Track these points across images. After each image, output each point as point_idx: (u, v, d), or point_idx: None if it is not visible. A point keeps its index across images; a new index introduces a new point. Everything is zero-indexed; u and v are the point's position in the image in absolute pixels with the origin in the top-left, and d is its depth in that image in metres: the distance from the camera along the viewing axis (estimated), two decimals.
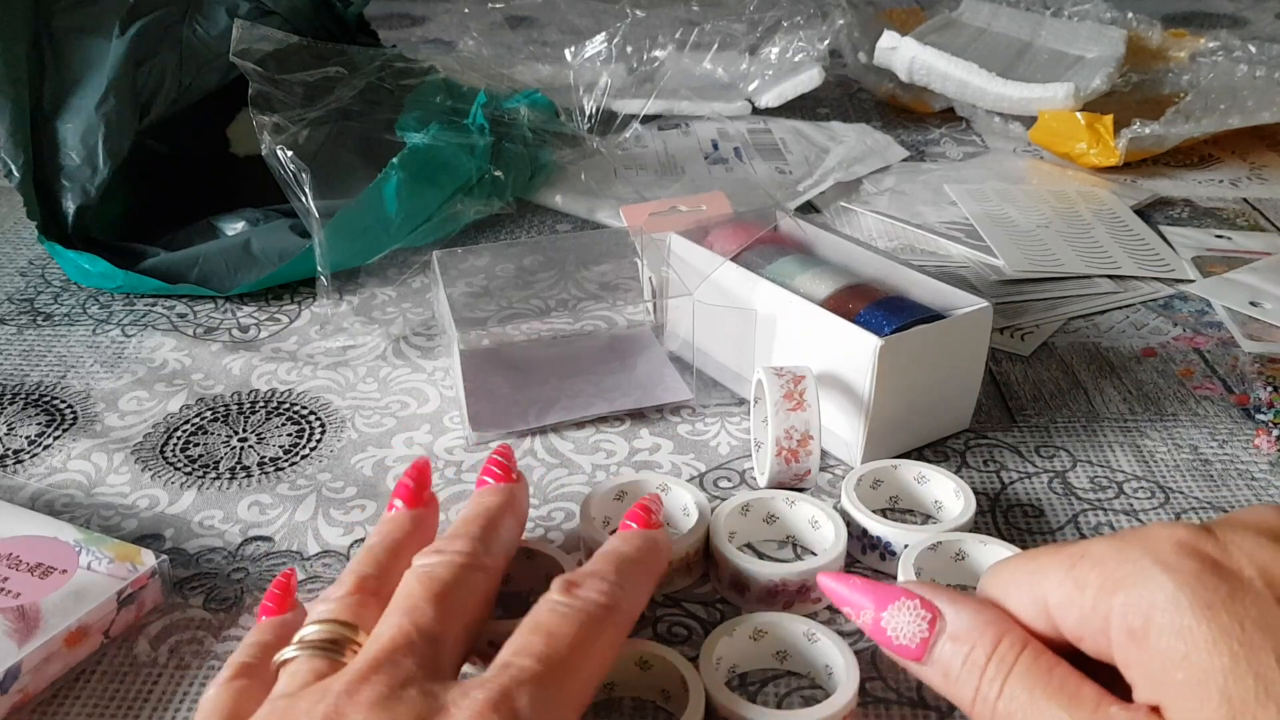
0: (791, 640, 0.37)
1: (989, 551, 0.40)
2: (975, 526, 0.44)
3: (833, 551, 0.40)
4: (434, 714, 0.27)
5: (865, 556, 0.42)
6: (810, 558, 0.41)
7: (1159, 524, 0.28)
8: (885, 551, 0.41)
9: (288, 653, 0.32)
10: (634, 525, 0.37)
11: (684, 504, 0.44)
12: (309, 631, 0.32)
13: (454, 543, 0.35)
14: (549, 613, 0.31)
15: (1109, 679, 0.27)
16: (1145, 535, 0.28)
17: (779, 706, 0.36)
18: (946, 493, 0.44)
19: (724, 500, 0.43)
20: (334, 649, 0.31)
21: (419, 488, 0.39)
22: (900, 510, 0.46)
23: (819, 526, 0.42)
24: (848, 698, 0.33)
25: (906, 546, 0.40)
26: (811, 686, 0.37)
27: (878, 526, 0.41)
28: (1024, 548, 0.43)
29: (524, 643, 0.30)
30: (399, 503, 0.38)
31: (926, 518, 0.45)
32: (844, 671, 0.35)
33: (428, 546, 0.35)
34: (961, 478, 0.47)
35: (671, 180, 0.80)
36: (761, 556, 0.43)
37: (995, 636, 0.29)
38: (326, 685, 0.29)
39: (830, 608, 0.40)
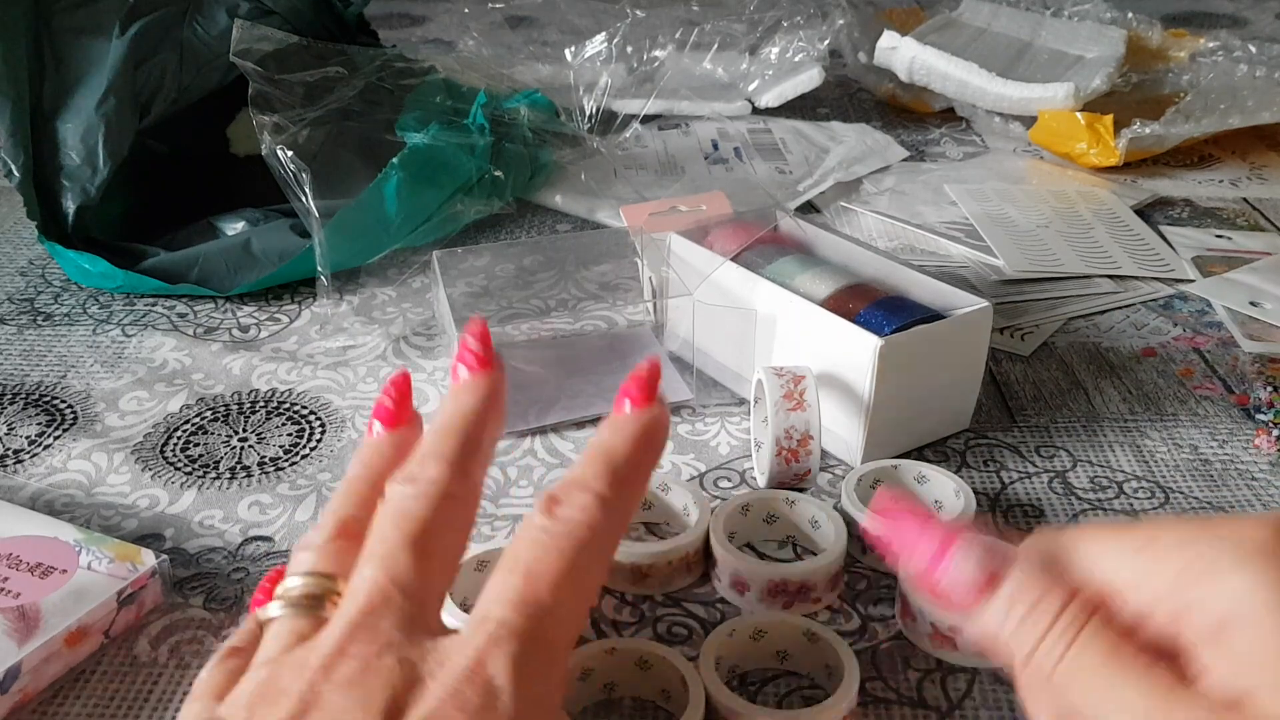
0: (792, 640, 0.37)
1: None
2: (975, 526, 0.44)
3: (833, 551, 0.40)
4: (410, 686, 0.26)
5: (865, 556, 0.42)
6: (810, 558, 0.41)
7: (1247, 518, 0.27)
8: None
9: (270, 610, 0.30)
10: (628, 404, 0.32)
11: (684, 504, 0.44)
12: (290, 585, 0.31)
13: (427, 467, 0.31)
14: (529, 544, 0.29)
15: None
16: (1235, 527, 0.26)
17: (779, 706, 0.36)
18: (947, 493, 0.44)
19: (724, 500, 0.43)
20: (315, 604, 0.30)
21: (399, 406, 0.35)
22: None
23: (819, 526, 0.42)
24: (849, 697, 0.33)
25: None
26: (812, 686, 0.37)
27: None
28: None
29: (502, 586, 0.28)
30: (377, 424, 0.35)
31: None
32: (844, 671, 0.35)
33: (400, 471, 0.32)
34: (961, 478, 0.47)
35: (671, 180, 0.80)
36: (762, 556, 0.43)
37: (1067, 593, 0.26)
38: (304, 658, 0.28)
39: (830, 607, 0.40)
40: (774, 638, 0.37)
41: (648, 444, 0.32)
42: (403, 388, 0.36)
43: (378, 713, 0.26)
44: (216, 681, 0.30)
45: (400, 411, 0.35)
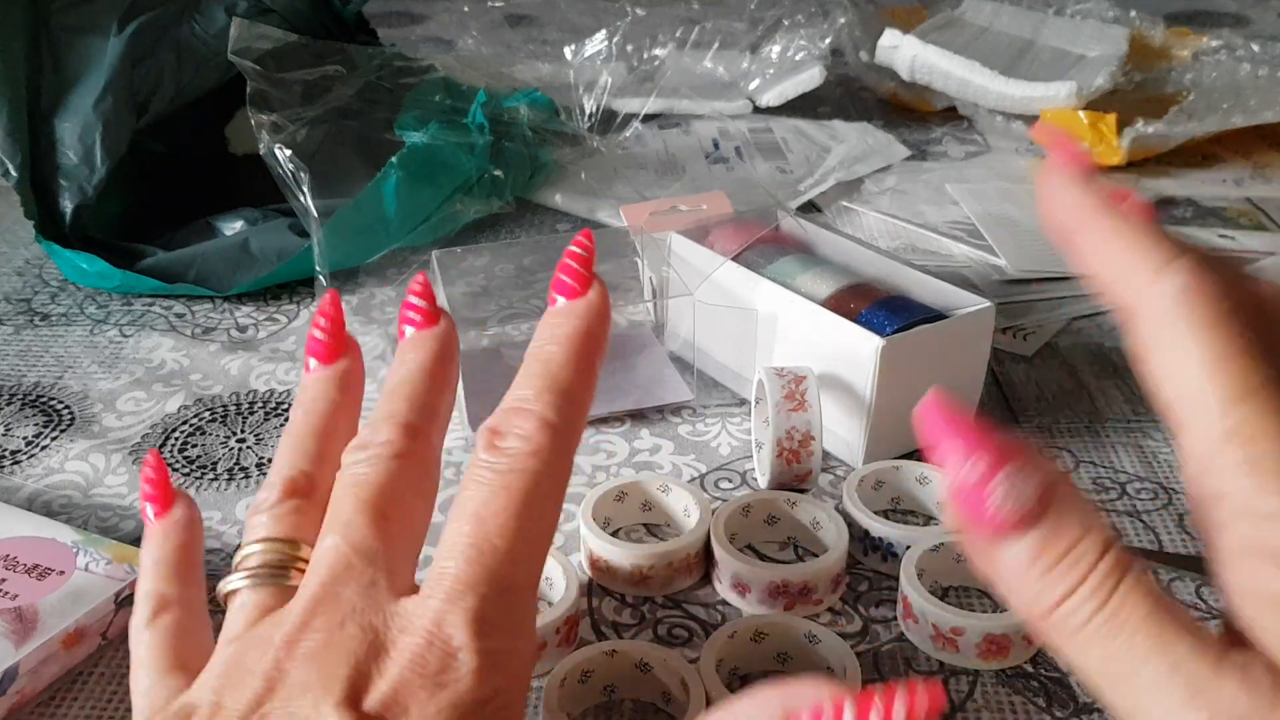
0: (792, 642, 0.37)
1: None
2: None
3: (835, 553, 0.40)
4: (374, 655, 0.26)
5: (867, 558, 0.42)
6: (812, 559, 0.40)
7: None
8: (887, 553, 0.41)
9: (232, 582, 0.30)
10: (560, 300, 0.31)
11: (684, 505, 0.43)
12: (250, 554, 0.30)
13: (379, 431, 0.30)
14: (475, 485, 0.27)
15: None
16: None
17: None
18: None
19: (725, 501, 0.43)
20: (278, 573, 0.29)
21: (333, 336, 0.33)
22: (902, 511, 0.45)
23: (821, 527, 0.42)
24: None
25: (909, 548, 0.40)
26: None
27: (880, 527, 0.41)
28: None
29: (453, 537, 0.27)
30: (313, 362, 0.33)
31: (928, 519, 0.45)
32: (845, 673, 0.34)
33: (354, 439, 0.30)
34: None
35: (672, 179, 0.79)
36: (762, 558, 0.42)
37: (1103, 541, 0.22)
38: (268, 634, 0.27)
39: (832, 609, 0.40)
40: (775, 640, 0.37)
41: (588, 342, 0.30)
42: (333, 315, 0.33)
43: (342, 684, 0.25)
44: (159, 644, 0.30)
45: (334, 343, 0.33)
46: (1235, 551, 0.21)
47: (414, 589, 0.27)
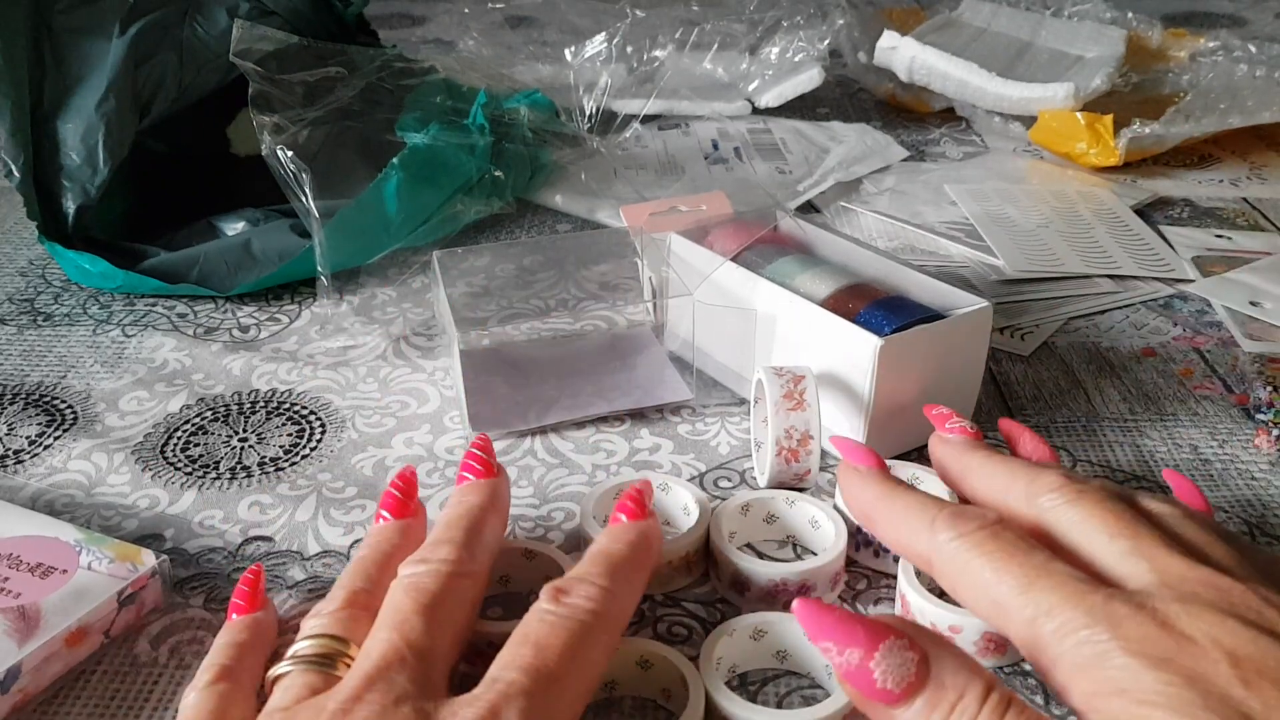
0: (791, 640, 0.37)
1: None
2: None
3: (833, 551, 0.40)
4: None
5: (859, 553, 0.42)
6: (810, 557, 0.41)
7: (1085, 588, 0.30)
8: (880, 549, 0.41)
9: (282, 667, 0.32)
10: (623, 517, 0.37)
11: (684, 503, 0.44)
12: (302, 646, 0.33)
13: (438, 550, 0.34)
14: (538, 623, 0.31)
15: None
16: (1120, 633, 0.28)
17: (779, 706, 0.36)
18: (941, 493, 0.44)
19: (724, 500, 0.43)
20: (326, 663, 0.32)
21: (406, 497, 0.39)
22: None
23: (819, 526, 0.42)
24: (847, 698, 0.33)
25: None
26: (811, 686, 0.37)
27: None
28: None
29: (512, 656, 0.30)
30: (385, 513, 0.38)
31: None
32: None
33: (413, 554, 0.35)
34: None
35: (671, 180, 0.80)
36: (761, 556, 0.43)
37: (985, 686, 0.27)
38: (321, 703, 0.29)
39: None
40: (774, 637, 0.37)
41: (642, 547, 0.36)
42: (409, 481, 0.40)
43: None
44: (208, 707, 0.32)
45: (406, 503, 0.39)
46: (1090, 694, 0.27)
47: (450, 693, 0.30)
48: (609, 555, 0.35)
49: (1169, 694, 0.26)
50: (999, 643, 0.37)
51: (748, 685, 0.37)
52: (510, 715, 0.28)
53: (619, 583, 0.34)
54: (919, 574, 0.39)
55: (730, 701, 0.33)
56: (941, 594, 0.40)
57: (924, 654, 0.28)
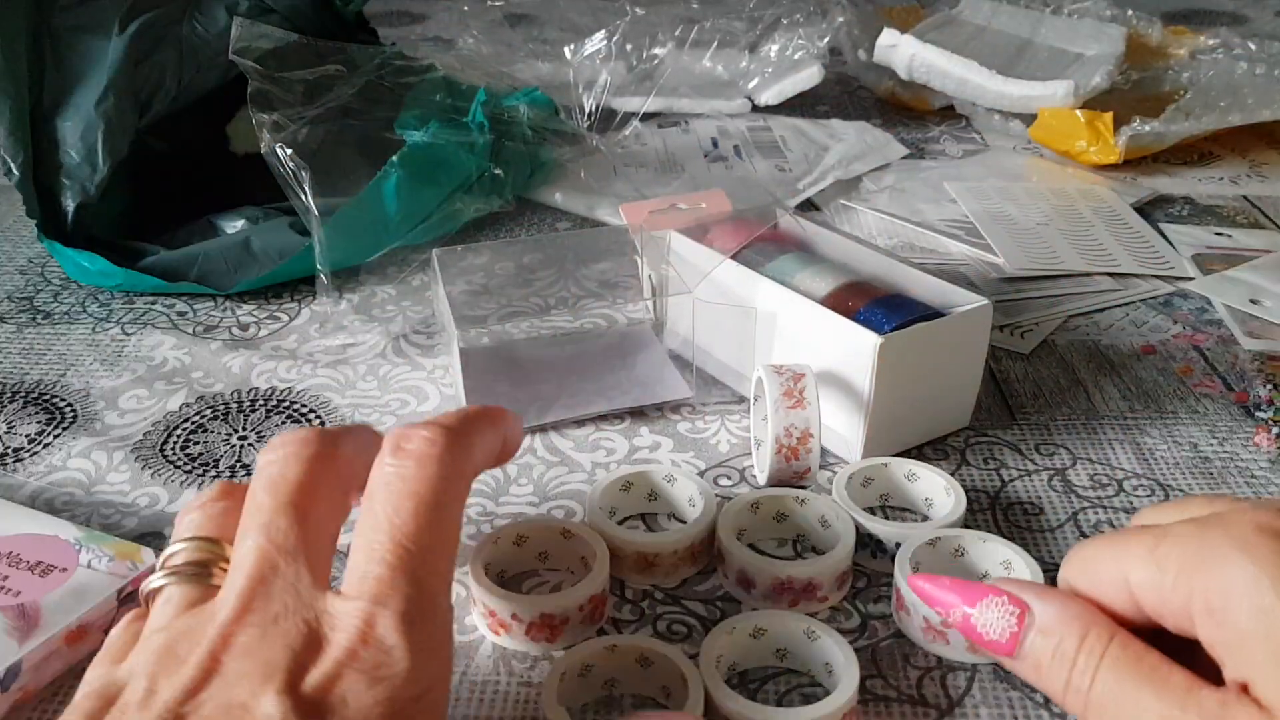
0: (791, 638, 0.37)
1: (988, 549, 0.40)
2: (975, 524, 0.44)
3: (841, 551, 0.40)
4: (309, 647, 0.28)
5: (856, 554, 0.42)
6: (814, 556, 0.41)
7: (1241, 505, 0.28)
8: (876, 549, 0.41)
9: (155, 581, 0.31)
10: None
11: (690, 494, 0.44)
12: (174, 553, 0.31)
13: (290, 439, 0.33)
14: (383, 487, 0.31)
15: (1193, 657, 0.28)
16: (1227, 518, 0.28)
17: (779, 704, 0.36)
18: (937, 490, 0.44)
19: (733, 497, 0.43)
20: (201, 571, 0.31)
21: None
22: (891, 508, 0.46)
23: (829, 525, 0.42)
24: (848, 695, 0.34)
25: (899, 545, 0.40)
26: (811, 684, 0.37)
27: (869, 524, 0.41)
28: (1023, 545, 0.43)
29: (369, 545, 0.29)
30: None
31: (919, 515, 0.45)
32: (844, 669, 0.35)
33: (266, 445, 0.33)
34: (961, 475, 0.47)
35: (671, 178, 0.79)
36: (761, 554, 0.43)
37: (1083, 627, 0.29)
38: (200, 629, 0.28)
39: (834, 607, 0.40)
40: (774, 635, 0.37)
41: (492, 411, 0.35)
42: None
43: (281, 672, 0.27)
44: (115, 645, 0.31)
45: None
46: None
47: (328, 584, 0.30)
48: (454, 411, 0.34)
49: None
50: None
51: (748, 684, 0.37)
52: (385, 622, 0.28)
53: (465, 424, 0.33)
54: (916, 570, 0.39)
55: (730, 699, 0.33)
56: None
57: (1025, 607, 0.30)
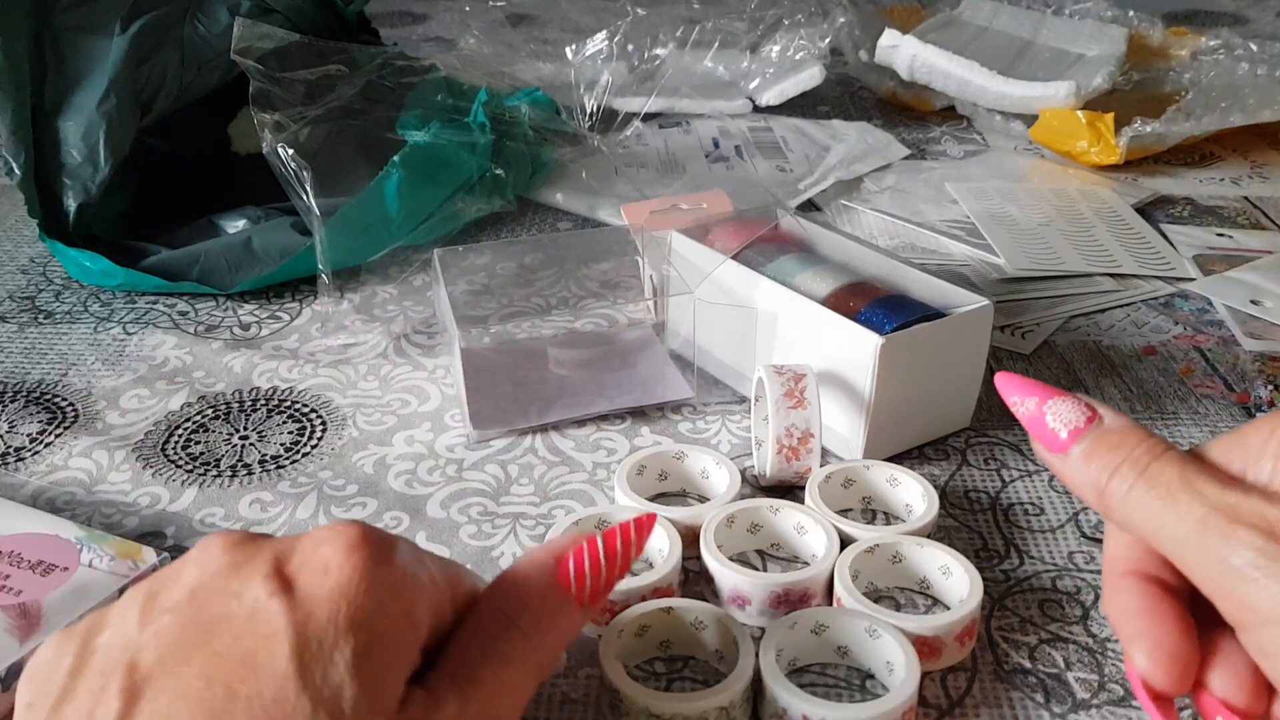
0: (853, 635, 0.37)
1: (925, 554, 0.40)
2: (975, 524, 0.44)
3: (830, 557, 0.39)
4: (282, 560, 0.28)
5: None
6: (802, 566, 0.41)
7: None
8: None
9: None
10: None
11: (703, 467, 0.45)
12: None
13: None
14: (505, 643, 0.30)
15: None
16: None
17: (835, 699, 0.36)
18: (915, 495, 0.44)
19: (710, 516, 0.42)
20: None
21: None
22: (872, 510, 0.45)
23: (805, 533, 0.42)
24: (908, 693, 0.33)
25: (844, 549, 0.40)
26: (870, 678, 0.37)
27: (849, 529, 0.41)
28: (1022, 545, 0.43)
29: (461, 668, 0.29)
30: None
31: (900, 520, 0.45)
32: (905, 667, 0.34)
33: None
34: (962, 475, 0.47)
35: (672, 178, 0.80)
36: (749, 565, 0.42)
37: (1146, 433, 0.30)
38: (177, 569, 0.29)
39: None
40: (835, 632, 0.37)
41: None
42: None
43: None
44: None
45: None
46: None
47: None
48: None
49: None
50: (933, 646, 0.37)
51: (805, 676, 0.37)
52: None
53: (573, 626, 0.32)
54: (855, 578, 0.39)
55: (781, 688, 0.34)
56: (877, 599, 0.39)
57: (1096, 414, 0.31)
